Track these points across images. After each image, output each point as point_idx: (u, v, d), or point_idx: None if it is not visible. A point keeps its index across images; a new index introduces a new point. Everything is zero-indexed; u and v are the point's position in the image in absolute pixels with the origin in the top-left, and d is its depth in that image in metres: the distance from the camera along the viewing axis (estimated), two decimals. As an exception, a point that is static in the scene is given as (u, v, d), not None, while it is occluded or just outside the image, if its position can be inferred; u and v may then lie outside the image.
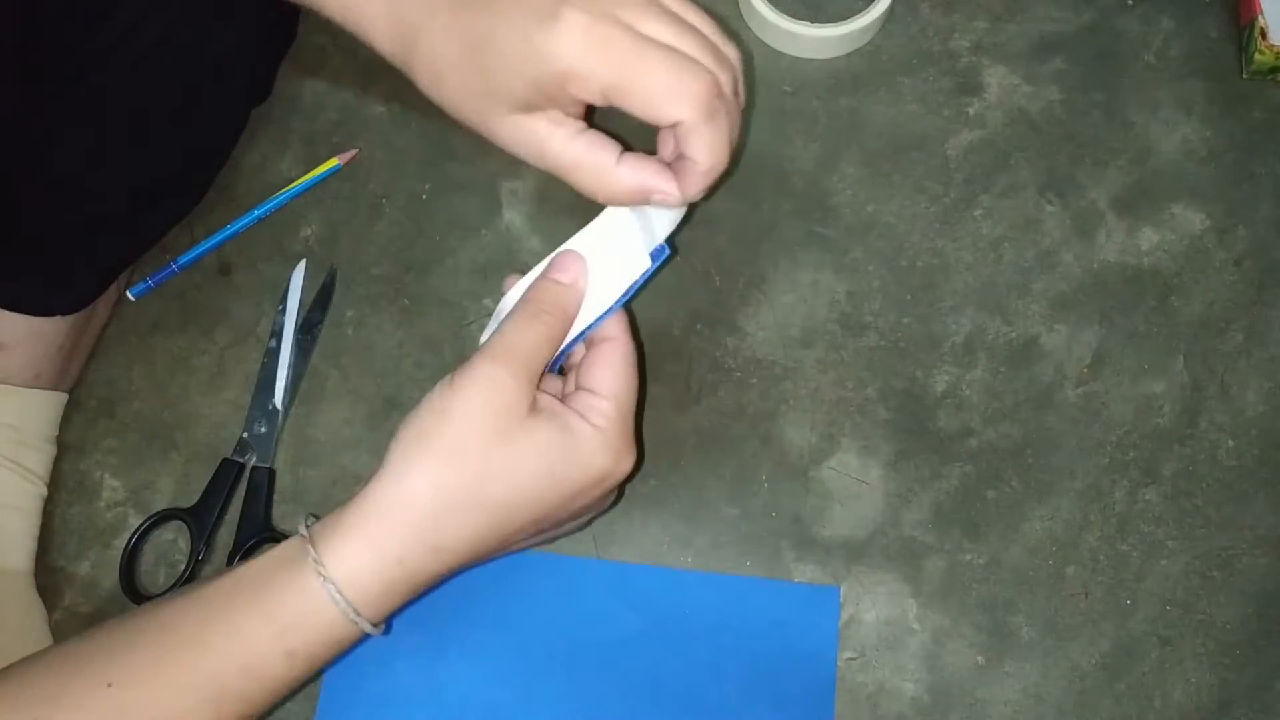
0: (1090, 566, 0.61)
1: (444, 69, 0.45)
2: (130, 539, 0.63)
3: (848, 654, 0.60)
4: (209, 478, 0.64)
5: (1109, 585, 0.60)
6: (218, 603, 0.45)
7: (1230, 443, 0.62)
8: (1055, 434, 0.63)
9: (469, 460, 0.45)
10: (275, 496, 0.64)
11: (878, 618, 0.60)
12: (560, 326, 0.49)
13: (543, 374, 0.49)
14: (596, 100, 0.44)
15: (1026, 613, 0.60)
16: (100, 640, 0.45)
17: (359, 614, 0.45)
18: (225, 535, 0.63)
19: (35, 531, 0.63)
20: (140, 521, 0.63)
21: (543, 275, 0.50)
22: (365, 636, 0.46)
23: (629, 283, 0.51)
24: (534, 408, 0.47)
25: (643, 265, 0.50)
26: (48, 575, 0.63)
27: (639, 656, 0.60)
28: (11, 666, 0.45)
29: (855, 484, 0.63)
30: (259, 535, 0.62)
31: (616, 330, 0.51)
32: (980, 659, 0.60)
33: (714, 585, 0.61)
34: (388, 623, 0.48)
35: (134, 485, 0.65)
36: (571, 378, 0.53)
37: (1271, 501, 0.61)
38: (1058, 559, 0.61)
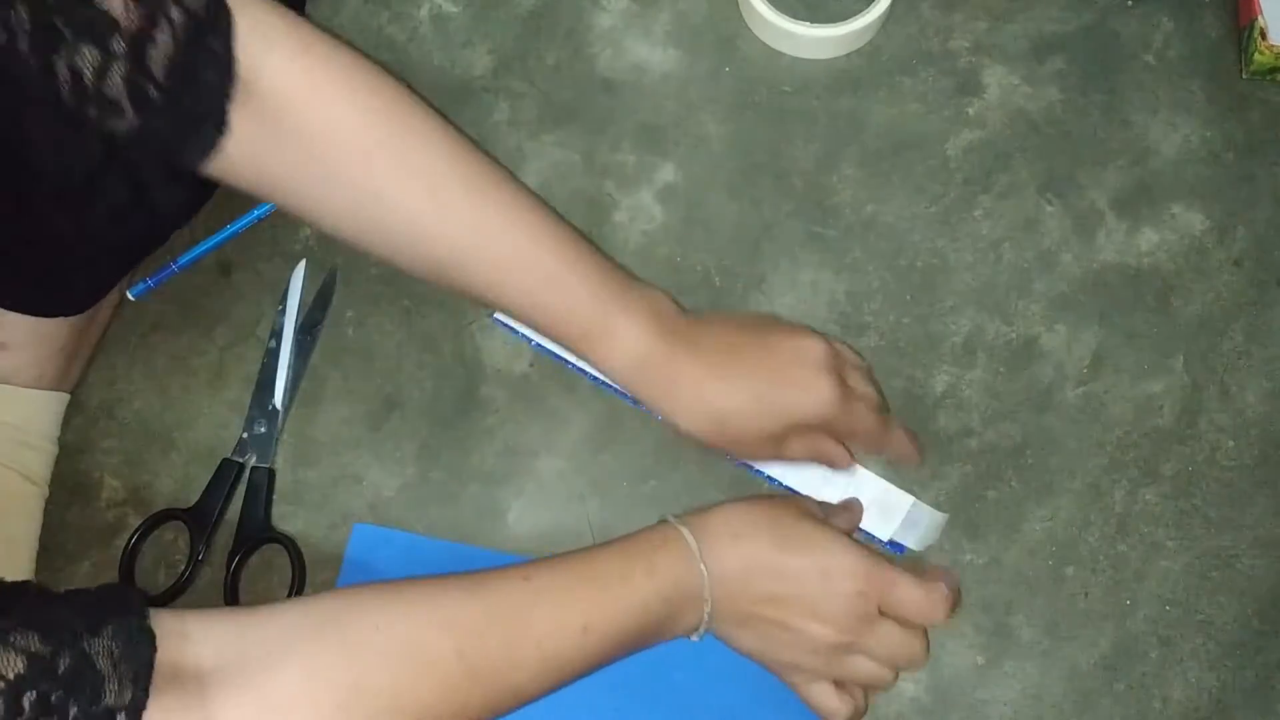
0: (1090, 566, 0.61)
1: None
2: (130, 539, 0.63)
3: (847, 654, 0.60)
4: (209, 478, 0.64)
5: (1109, 585, 0.60)
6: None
7: (1230, 443, 0.62)
8: (1055, 434, 0.63)
9: None
10: (275, 496, 0.64)
11: (877, 618, 0.60)
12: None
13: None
14: None
15: (1026, 613, 0.60)
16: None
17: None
18: (225, 535, 0.63)
19: (36, 531, 0.63)
20: (140, 521, 0.63)
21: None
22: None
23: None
24: None
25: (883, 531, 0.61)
26: (48, 575, 0.63)
27: (639, 656, 0.59)
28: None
29: (855, 484, 0.62)
30: (259, 535, 0.63)
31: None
32: (980, 659, 0.60)
33: (714, 585, 0.61)
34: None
35: (134, 485, 0.65)
36: None
37: (1271, 501, 0.61)
38: (1057, 559, 0.61)
